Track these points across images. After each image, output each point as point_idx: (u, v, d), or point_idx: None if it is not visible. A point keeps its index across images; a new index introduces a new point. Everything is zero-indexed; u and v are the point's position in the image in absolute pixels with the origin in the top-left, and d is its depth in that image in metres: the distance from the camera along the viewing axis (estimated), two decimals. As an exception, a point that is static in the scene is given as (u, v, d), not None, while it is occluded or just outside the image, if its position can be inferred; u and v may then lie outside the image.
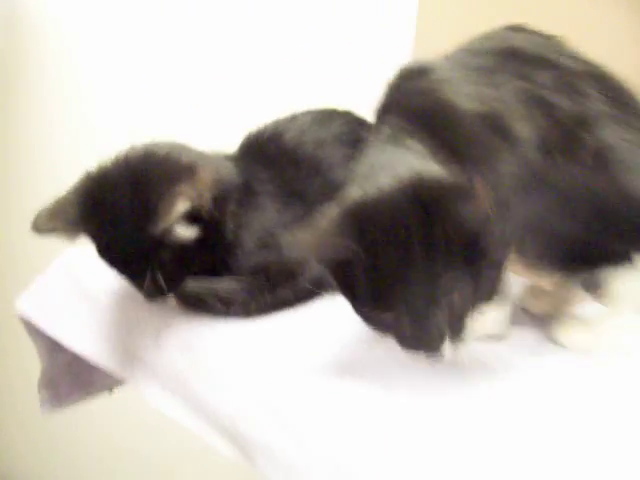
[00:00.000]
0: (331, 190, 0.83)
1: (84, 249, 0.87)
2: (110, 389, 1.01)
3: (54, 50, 1.32)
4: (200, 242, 0.72)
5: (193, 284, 0.75)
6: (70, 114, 1.35)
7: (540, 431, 0.58)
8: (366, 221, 0.58)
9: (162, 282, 0.71)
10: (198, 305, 0.76)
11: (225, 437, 0.71)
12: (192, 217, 0.70)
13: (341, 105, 0.94)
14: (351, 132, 0.88)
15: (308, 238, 0.60)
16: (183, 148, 0.79)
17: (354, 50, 1.42)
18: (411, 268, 0.56)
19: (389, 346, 0.71)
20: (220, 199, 0.75)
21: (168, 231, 0.68)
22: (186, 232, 0.71)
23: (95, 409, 1.06)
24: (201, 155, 0.79)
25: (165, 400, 0.76)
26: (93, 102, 1.34)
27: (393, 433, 0.59)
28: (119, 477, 1.61)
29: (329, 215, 0.61)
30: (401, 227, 0.57)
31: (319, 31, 1.42)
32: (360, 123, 0.91)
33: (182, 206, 0.67)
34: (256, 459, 0.67)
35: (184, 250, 0.71)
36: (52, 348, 0.90)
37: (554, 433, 0.57)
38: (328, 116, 0.90)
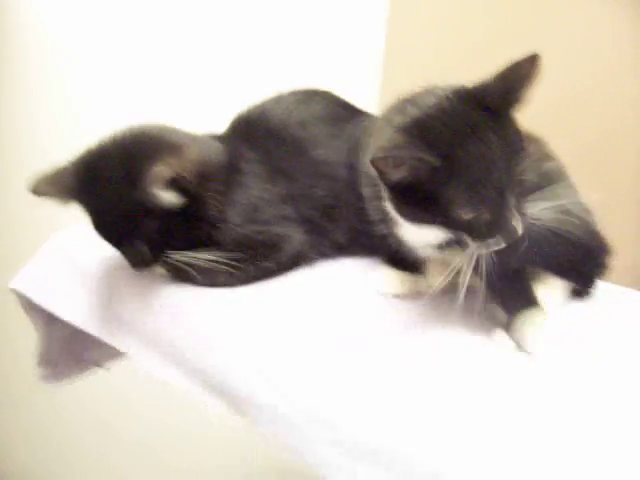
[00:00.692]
0: (314, 167, 0.89)
1: (75, 229, 0.93)
2: (104, 365, 1.06)
3: (38, 42, 1.35)
4: (183, 215, 0.77)
5: (179, 255, 0.80)
6: (56, 106, 1.37)
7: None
8: (436, 129, 0.64)
9: (146, 251, 0.76)
10: (184, 275, 0.81)
11: (217, 395, 0.76)
12: (176, 188, 0.75)
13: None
14: (331, 111, 0.94)
15: (382, 158, 0.64)
16: (174, 130, 0.84)
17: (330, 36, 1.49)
18: (490, 161, 0.63)
19: (365, 306, 0.78)
20: (206, 177, 0.80)
21: (152, 197, 0.73)
22: (169, 197, 0.75)
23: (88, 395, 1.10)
24: (190, 136, 0.84)
25: (157, 365, 0.81)
26: (80, 94, 1.36)
27: (371, 385, 0.65)
28: (111, 468, 1.64)
29: (392, 137, 0.66)
30: (469, 126, 0.63)
31: (299, 20, 1.49)
32: (339, 103, 0.97)
33: (165, 172, 0.72)
34: (247, 413, 0.72)
35: (168, 221, 0.76)
36: (49, 323, 0.94)
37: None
38: (310, 97, 0.95)
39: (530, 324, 0.71)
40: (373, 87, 1.59)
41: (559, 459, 0.55)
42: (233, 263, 0.80)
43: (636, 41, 1.34)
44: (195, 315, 0.77)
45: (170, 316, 0.79)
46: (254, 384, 0.71)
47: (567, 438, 0.57)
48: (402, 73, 1.59)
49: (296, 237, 0.85)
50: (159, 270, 0.82)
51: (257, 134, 0.89)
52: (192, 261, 0.79)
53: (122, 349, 0.85)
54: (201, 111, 1.30)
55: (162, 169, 0.72)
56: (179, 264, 0.80)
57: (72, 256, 0.90)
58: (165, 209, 0.75)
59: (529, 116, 0.68)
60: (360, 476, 0.62)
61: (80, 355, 1.01)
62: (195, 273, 0.80)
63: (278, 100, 0.94)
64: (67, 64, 1.32)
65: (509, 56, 0.66)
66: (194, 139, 0.84)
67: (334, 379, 0.66)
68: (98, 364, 1.06)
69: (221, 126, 0.94)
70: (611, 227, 0.82)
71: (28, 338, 0.97)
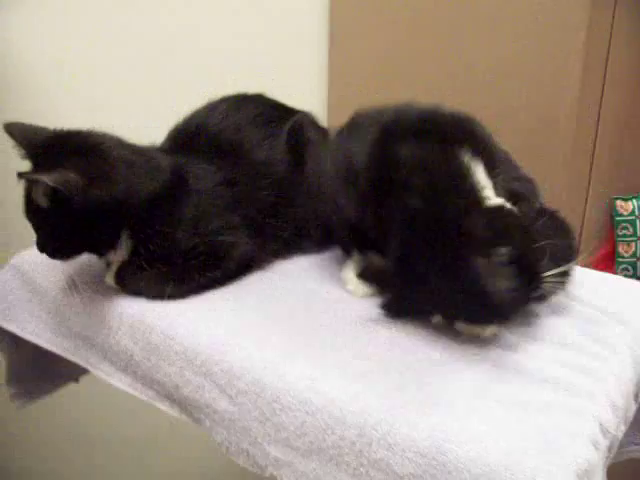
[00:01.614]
0: (255, 169, 0.92)
1: (32, 250, 0.95)
2: (76, 379, 1.08)
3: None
4: (64, 219, 0.78)
5: (130, 270, 0.83)
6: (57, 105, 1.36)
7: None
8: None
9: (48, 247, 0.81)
10: (133, 288, 0.84)
11: (173, 403, 0.79)
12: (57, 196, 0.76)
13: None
14: (264, 113, 0.96)
15: None
16: (124, 145, 0.84)
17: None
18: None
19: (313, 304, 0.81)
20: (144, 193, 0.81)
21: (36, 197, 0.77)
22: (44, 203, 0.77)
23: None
24: (132, 149, 0.84)
25: (117, 378, 0.84)
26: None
27: (309, 383, 0.67)
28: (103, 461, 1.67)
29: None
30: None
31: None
32: (270, 104, 1.00)
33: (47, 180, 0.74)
34: (202, 420, 0.75)
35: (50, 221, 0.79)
36: (13, 343, 0.96)
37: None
38: (242, 101, 0.97)
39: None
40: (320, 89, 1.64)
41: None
42: (181, 274, 0.83)
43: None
44: (149, 326, 0.79)
45: (126, 328, 0.81)
46: (207, 392, 0.73)
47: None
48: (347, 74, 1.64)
49: (243, 243, 0.88)
50: (109, 282, 0.85)
51: (197, 144, 0.92)
52: (144, 276, 0.82)
53: (84, 365, 0.88)
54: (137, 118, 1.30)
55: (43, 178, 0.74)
56: (132, 279, 0.83)
57: (30, 277, 0.92)
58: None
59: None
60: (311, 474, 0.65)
61: (50, 371, 1.03)
62: (143, 286, 0.82)
63: (211, 108, 0.96)
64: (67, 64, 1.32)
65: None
66: (138, 153, 0.85)
67: (281, 379, 0.69)
68: (71, 378, 1.08)
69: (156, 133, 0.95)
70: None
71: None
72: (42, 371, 1.03)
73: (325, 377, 0.68)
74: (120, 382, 0.84)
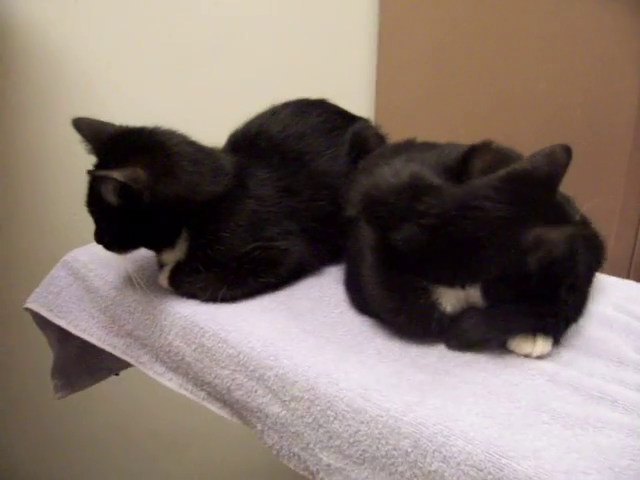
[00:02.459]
0: (315, 179, 0.92)
1: (86, 247, 0.97)
2: (117, 372, 1.10)
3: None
4: (128, 215, 0.80)
5: (185, 272, 0.85)
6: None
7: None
8: None
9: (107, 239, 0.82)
10: (187, 290, 0.85)
11: (225, 405, 0.80)
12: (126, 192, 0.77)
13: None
14: (327, 121, 0.96)
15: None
16: (189, 143, 0.85)
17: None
18: None
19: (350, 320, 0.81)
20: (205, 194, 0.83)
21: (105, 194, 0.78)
22: (113, 199, 0.78)
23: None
24: (197, 147, 0.85)
25: (169, 378, 0.86)
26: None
27: (363, 392, 0.68)
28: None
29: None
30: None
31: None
32: (333, 111, 1.00)
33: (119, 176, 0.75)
34: (253, 423, 0.76)
35: (114, 215, 0.80)
36: (62, 339, 0.98)
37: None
38: (305, 108, 0.97)
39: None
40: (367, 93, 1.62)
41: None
42: (234, 278, 0.84)
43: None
44: (202, 328, 0.80)
45: (178, 330, 0.83)
46: (259, 396, 0.74)
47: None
48: (395, 78, 1.61)
49: (297, 250, 0.88)
50: (162, 283, 0.86)
51: (259, 150, 0.92)
52: (197, 279, 0.83)
53: (134, 364, 0.90)
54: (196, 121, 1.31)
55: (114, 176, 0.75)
56: (185, 282, 0.84)
57: (83, 274, 0.94)
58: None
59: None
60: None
61: (94, 366, 1.05)
62: (197, 288, 0.84)
63: (274, 113, 0.96)
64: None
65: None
66: (202, 152, 0.85)
67: (335, 387, 0.69)
68: (112, 372, 1.10)
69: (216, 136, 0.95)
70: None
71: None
72: (86, 365, 1.05)
73: (379, 386, 0.68)
74: (171, 382, 0.85)
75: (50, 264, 0.98)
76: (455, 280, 0.73)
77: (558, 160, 0.73)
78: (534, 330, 0.73)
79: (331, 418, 0.68)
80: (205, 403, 0.82)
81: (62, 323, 0.94)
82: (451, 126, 1.42)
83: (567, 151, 0.73)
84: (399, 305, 0.76)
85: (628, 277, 0.97)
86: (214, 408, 0.82)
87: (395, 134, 1.03)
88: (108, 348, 0.92)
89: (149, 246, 0.84)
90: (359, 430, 0.66)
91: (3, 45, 1.20)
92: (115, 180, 0.75)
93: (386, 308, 0.78)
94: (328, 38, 1.62)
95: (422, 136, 0.97)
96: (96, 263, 0.93)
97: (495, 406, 0.65)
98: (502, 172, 0.73)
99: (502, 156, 0.82)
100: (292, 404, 0.71)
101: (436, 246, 0.72)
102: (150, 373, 0.88)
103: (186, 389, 0.84)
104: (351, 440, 0.67)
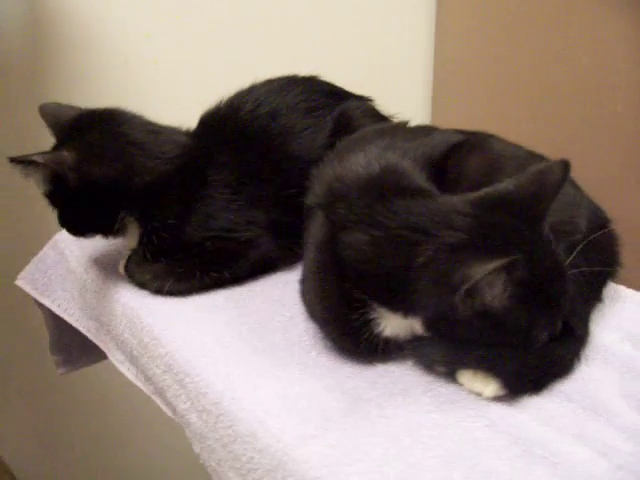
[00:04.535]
0: (286, 164, 0.83)
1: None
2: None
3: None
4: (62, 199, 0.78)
5: (135, 260, 0.81)
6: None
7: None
8: None
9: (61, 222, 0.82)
10: (138, 278, 0.81)
11: (164, 404, 0.76)
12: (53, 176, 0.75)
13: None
14: (308, 100, 0.86)
15: None
16: (140, 124, 0.81)
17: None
18: None
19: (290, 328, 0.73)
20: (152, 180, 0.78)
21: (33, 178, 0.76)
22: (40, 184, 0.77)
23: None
24: (149, 129, 0.81)
25: (127, 367, 0.84)
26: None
27: (262, 415, 0.60)
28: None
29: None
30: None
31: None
32: (321, 90, 0.89)
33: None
34: (184, 427, 0.71)
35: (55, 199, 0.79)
36: (54, 315, 0.99)
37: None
38: (286, 85, 0.87)
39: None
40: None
41: None
42: (186, 272, 0.78)
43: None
44: (142, 323, 0.77)
45: (127, 321, 0.80)
46: (182, 401, 0.69)
47: None
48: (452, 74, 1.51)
49: (263, 242, 0.81)
50: (120, 270, 0.84)
51: (225, 131, 0.84)
52: (146, 270, 0.79)
53: (103, 349, 0.88)
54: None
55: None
56: (137, 272, 0.81)
57: (66, 255, 0.94)
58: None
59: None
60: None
61: (89, 343, 1.06)
62: (147, 279, 0.80)
63: (251, 91, 0.87)
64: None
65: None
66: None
67: (238, 405, 0.62)
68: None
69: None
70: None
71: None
72: (83, 342, 1.06)
73: (282, 409, 0.60)
74: (129, 372, 0.84)
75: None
76: (394, 307, 0.62)
77: (550, 179, 0.61)
78: (489, 368, 0.61)
79: (232, 438, 0.61)
80: (154, 398, 0.79)
81: (46, 302, 0.95)
82: (510, 123, 1.29)
83: (565, 167, 0.62)
84: (330, 315, 0.66)
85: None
86: (160, 405, 0.78)
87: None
88: (83, 330, 0.92)
89: (95, 231, 0.81)
90: (253, 457, 0.59)
91: (39, 24, 1.23)
92: (37, 163, 0.72)
93: (317, 315, 0.69)
94: (385, 35, 1.51)
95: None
96: (76, 244, 0.93)
97: (403, 454, 0.54)
98: (480, 193, 0.62)
99: (492, 160, 0.74)
100: (204, 416, 0.66)
101: (380, 264, 0.61)
102: (114, 360, 0.86)
103: (140, 380, 0.82)
104: (247, 466, 0.60)
